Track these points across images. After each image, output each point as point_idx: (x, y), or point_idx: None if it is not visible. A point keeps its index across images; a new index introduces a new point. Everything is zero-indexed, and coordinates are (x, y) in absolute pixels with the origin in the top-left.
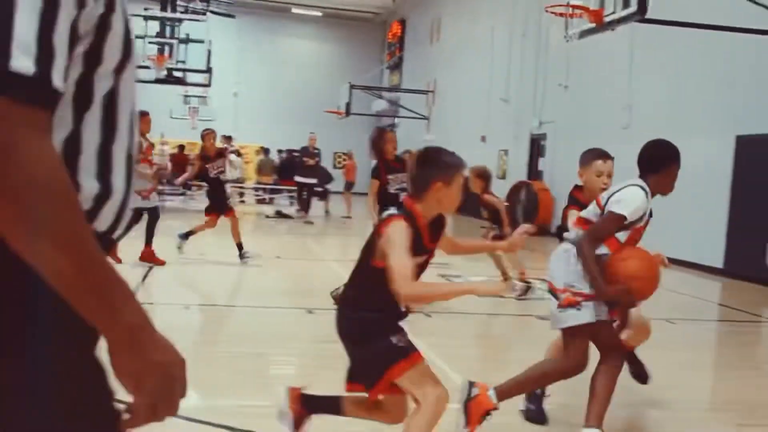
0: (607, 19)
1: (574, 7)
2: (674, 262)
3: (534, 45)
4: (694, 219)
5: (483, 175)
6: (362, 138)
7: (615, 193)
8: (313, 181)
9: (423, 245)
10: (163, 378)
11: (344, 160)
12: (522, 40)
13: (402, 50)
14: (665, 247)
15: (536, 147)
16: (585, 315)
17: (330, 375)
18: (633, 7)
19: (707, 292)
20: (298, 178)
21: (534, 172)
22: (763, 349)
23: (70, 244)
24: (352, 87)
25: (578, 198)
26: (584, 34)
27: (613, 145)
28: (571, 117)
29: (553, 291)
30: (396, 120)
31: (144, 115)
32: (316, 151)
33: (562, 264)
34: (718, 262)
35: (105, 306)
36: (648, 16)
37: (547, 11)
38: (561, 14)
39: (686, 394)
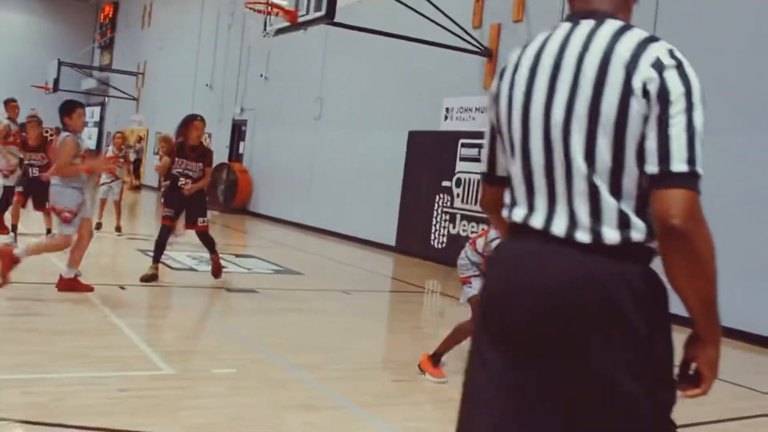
0: (300, 20)
1: (272, 5)
2: (356, 240)
3: (238, 37)
4: (374, 202)
5: (168, 140)
6: None
7: None
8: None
9: None
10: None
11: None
12: (228, 31)
13: (114, 31)
14: (349, 227)
15: (237, 131)
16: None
17: (11, 348)
18: (323, 11)
19: (382, 267)
20: None
21: (235, 155)
22: (421, 315)
23: (712, 279)
24: (61, 63)
25: None
26: (280, 31)
27: (306, 133)
28: (270, 106)
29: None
30: (106, 99)
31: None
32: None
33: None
34: (391, 240)
35: (714, 316)
36: (337, 20)
37: (247, 7)
38: (260, 11)
39: (354, 355)
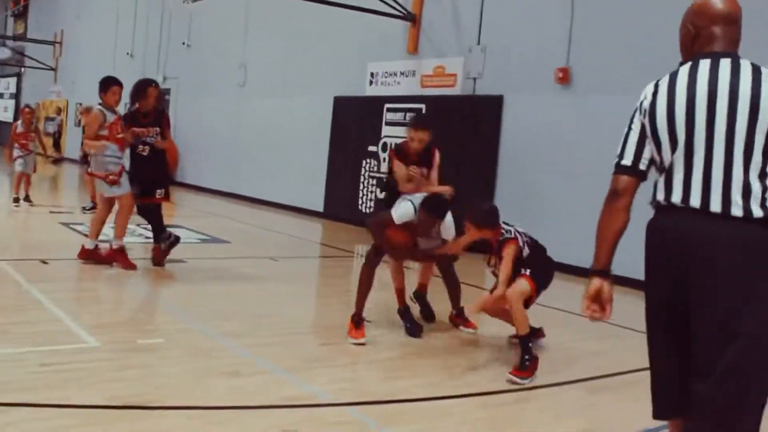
0: None
1: None
2: (285, 208)
3: (159, 3)
4: (301, 169)
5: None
6: None
7: None
8: None
9: None
10: None
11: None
12: None
13: None
14: (277, 194)
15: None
16: None
17: None
18: None
19: (310, 233)
20: None
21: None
22: (349, 279)
23: None
24: None
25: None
26: None
27: (230, 101)
28: (193, 74)
29: None
30: (22, 70)
31: None
32: None
33: None
34: (320, 207)
35: None
36: None
37: None
38: None
39: (282, 321)
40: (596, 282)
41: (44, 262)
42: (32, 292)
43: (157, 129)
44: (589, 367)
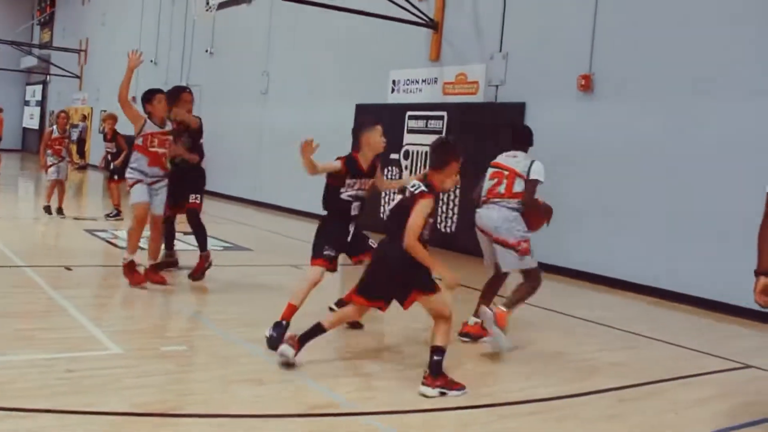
0: None
1: None
2: (306, 215)
3: (182, 11)
4: (322, 176)
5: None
6: (9, 93)
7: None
8: None
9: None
10: None
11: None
12: (171, 5)
13: (54, 7)
14: (298, 201)
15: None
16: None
17: None
18: None
19: None
20: None
21: None
22: None
23: None
24: None
25: None
26: (222, 5)
27: (253, 108)
28: (216, 81)
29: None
30: (47, 77)
31: None
32: None
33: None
34: None
35: None
36: None
37: None
38: None
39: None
40: (763, 280)
41: (68, 268)
42: (57, 299)
43: (189, 139)
44: (613, 377)
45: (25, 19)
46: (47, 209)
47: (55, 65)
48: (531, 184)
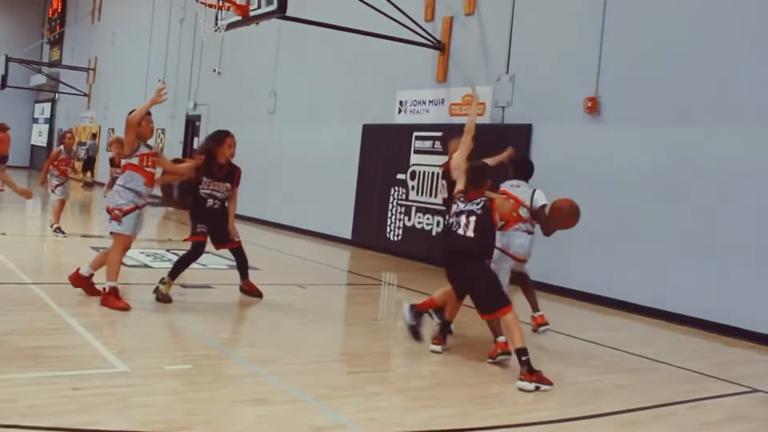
0: (252, 14)
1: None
2: (313, 235)
3: (191, 31)
4: (329, 196)
5: (120, 142)
6: (19, 110)
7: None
8: None
9: None
10: None
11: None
12: (180, 25)
13: (63, 26)
14: (305, 221)
15: (191, 127)
16: None
17: None
18: (274, 5)
19: (338, 260)
20: None
21: (189, 150)
22: (377, 307)
23: None
24: (8, 59)
25: None
26: (231, 26)
27: (260, 128)
28: (224, 100)
29: None
30: (57, 95)
31: None
32: None
33: None
34: (347, 234)
35: None
36: (289, 14)
37: (198, 1)
38: (211, 5)
39: (309, 349)
40: None
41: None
42: (63, 316)
43: (228, 185)
44: (617, 400)
45: (35, 37)
46: (59, 230)
47: (64, 83)
48: (542, 210)
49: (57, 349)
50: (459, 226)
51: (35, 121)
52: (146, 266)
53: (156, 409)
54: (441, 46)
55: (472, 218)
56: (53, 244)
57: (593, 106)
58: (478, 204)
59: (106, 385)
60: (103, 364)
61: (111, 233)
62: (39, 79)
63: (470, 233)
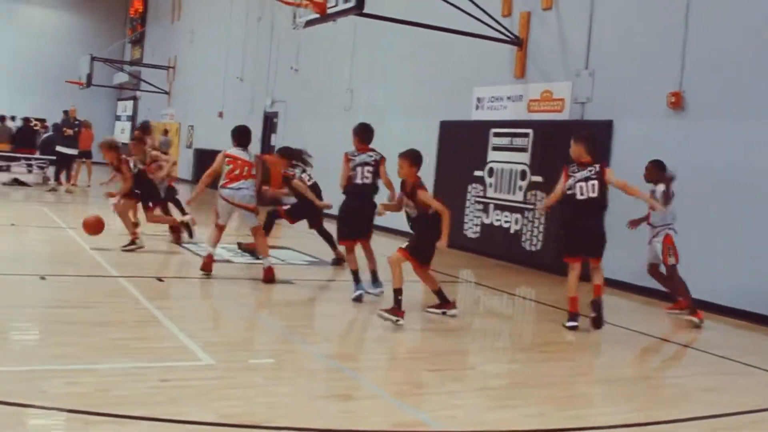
0: (329, 11)
1: None
2: (390, 231)
3: (268, 29)
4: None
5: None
6: (103, 108)
7: None
8: (74, 152)
9: None
10: None
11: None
12: (257, 24)
13: (144, 26)
14: (382, 218)
15: (269, 124)
16: None
17: (57, 339)
18: (352, 2)
19: None
20: (59, 148)
21: (267, 147)
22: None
23: None
24: (93, 59)
25: None
26: (309, 23)
27: (337, 125)
28: (301, 97)
29: None
30: (138, 93)
31: None
32: (76, 122)
33: None
34: None
35: None
36: (366, 11)
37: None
38: (290, 3)
39: (388, 345)
40: None
41: (160, 279)
42: (150, 309)
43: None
44: (705, 404)
45: (118, 37)
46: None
47: (145, 81)
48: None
49: (145, 341)
50: None
51: (117, 118)
52: (228, 261)
53: (240, 401)
54: (518, 42)
55: None
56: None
57: (677, 101)
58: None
59: (192, 378)
60: (188, 356)
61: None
62: (121, 78)
63: None
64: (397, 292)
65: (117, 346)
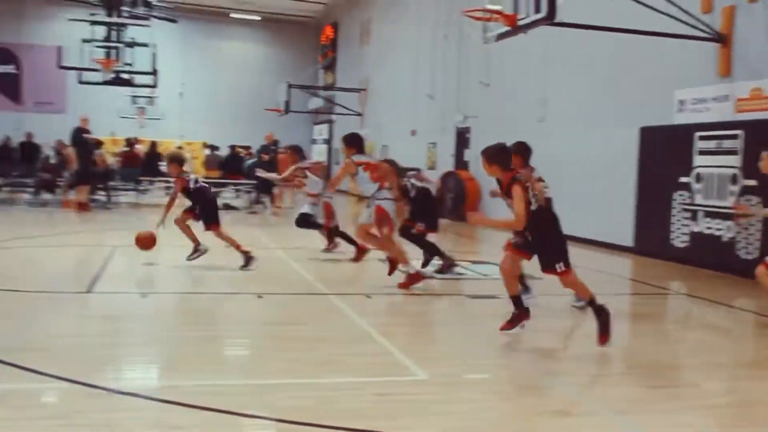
0: (520, 23)
1: (491, 11)
2: (589, 242)
3: (456, 46)
4: (605, 202)
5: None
6: (299, 133)
7: None
8: (271, 176)
9: None
10: None
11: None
12: (444, 41)
13: (335, 51)
14: (580, 229)
15: (461, 139)
16: None
17: (279, 354)
18: (543, 12)
19: (619, 269)
20: (258, 173)
21: (460, 163)
22: (665, 317)
23: None
24: (290, 86)
25: None
26: (500, 36)
27: (530, 136)
28: (492, 112)
29: None
30: (333, 117)
31: None
32: (273, 147)
33: None
34: (629, 241)
35: None
36: (558, 20)
37: (465, 15)
38: (479, 18)
39: (601, 360)
40: None
41: (368, 296)
42: (361, 325)
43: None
44: None
45: (312, 63)
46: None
47: (339, 105)
48: None
49: (358, 356)
50: None
51: (313, 141)
52: (430, 277)
53: (457, 416)
54: (722, 38)
55: None
56: (343, 255)
57: None
58: None
59: (408, 392)
60: (404, 371)
61: None
62: (316, 103)
63: None
64: (592, 303)
65: (334, 360)
